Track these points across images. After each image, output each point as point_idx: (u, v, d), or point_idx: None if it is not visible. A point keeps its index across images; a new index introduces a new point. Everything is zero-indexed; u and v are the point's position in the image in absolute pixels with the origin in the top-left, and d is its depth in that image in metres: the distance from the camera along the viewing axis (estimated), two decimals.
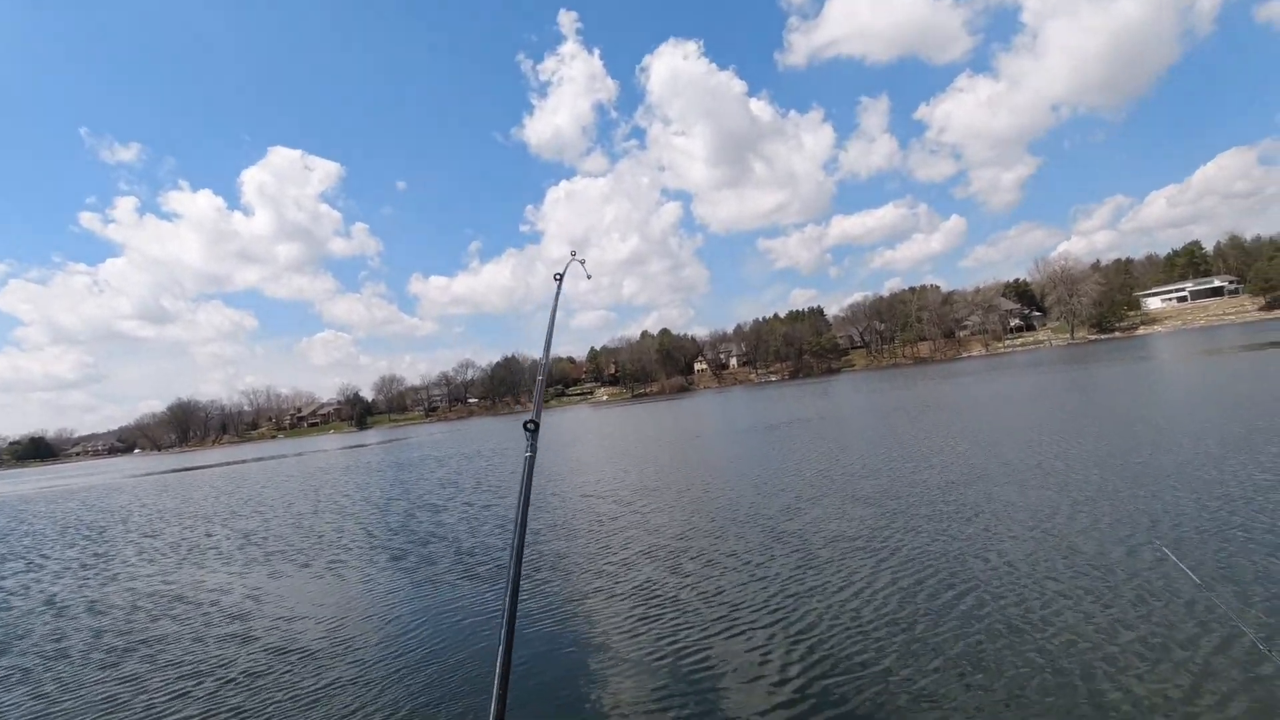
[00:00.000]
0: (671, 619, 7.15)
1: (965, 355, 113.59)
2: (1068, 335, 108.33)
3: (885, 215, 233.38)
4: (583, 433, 43.66)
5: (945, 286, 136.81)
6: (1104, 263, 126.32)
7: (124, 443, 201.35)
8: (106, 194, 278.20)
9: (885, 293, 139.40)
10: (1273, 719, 4.16)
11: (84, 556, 16.01)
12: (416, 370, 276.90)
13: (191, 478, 45.06)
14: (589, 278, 3.71)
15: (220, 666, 7.32)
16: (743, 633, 6.54)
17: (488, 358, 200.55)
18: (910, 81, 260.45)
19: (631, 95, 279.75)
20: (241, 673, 7.04)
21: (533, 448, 1.87)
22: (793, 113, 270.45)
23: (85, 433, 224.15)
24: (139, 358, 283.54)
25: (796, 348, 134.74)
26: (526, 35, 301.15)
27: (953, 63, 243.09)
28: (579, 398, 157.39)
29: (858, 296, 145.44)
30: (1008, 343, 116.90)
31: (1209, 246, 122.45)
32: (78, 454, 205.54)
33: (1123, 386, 27.42)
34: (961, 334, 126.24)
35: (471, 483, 22.04)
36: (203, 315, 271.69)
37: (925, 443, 18.03)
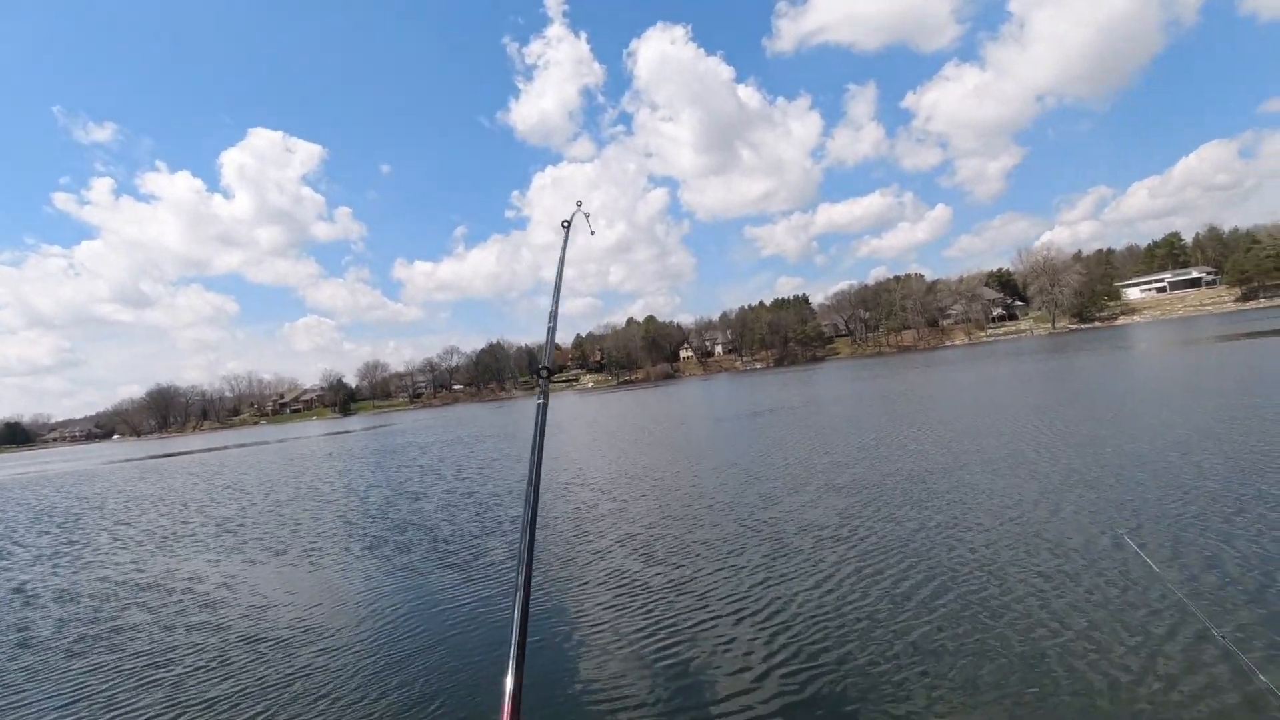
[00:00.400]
0: (642, 606, 7.21)
1: (948, 344, 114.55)
2: (1049, 325, 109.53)
3: (872, 204, 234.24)
4: (566, 420, 43.66)
5: (930, 275, 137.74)
6: (1086, 253, 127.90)
7: (102, 428, 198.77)
8: (81, 175, 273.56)
9: (870, 281, 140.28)
10: (1219, 698, 4.27)
11: (56, 544, 15.83)
12: (401, 356, 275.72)
13: (170, 464, 44.60)
14: (592, 233, 3.82)
15: (190, 655, 7.28)
16: (713, 619, 6.61)
17: (473, 344, 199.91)
18: (898, 70, 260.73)
19: (619, 80, 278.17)
20: (211, 661, 7.02)
21: (544, 394, 1.91)
22: (780, 100, 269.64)
23: (62, 418, 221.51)
24: (118, 342, 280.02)
25: (782, 336, 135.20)
26: (512, 17, 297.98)
27: (940, 51, 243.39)
28: (564, 384, 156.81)
29: (843, 285, 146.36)
30: (990, 332, 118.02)
31: (1189, 238, 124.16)
32: (54, 440, 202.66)
33: (1100, 376, 27.80)
34: (945, 323, 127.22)
35: (453, 470, 22.00)
36: (183, 299, 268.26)
37: (904, 431, 18.21)
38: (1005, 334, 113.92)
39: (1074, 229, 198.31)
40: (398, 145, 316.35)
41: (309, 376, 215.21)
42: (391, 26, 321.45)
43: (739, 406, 35.85)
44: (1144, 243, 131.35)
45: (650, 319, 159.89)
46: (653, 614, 6.93)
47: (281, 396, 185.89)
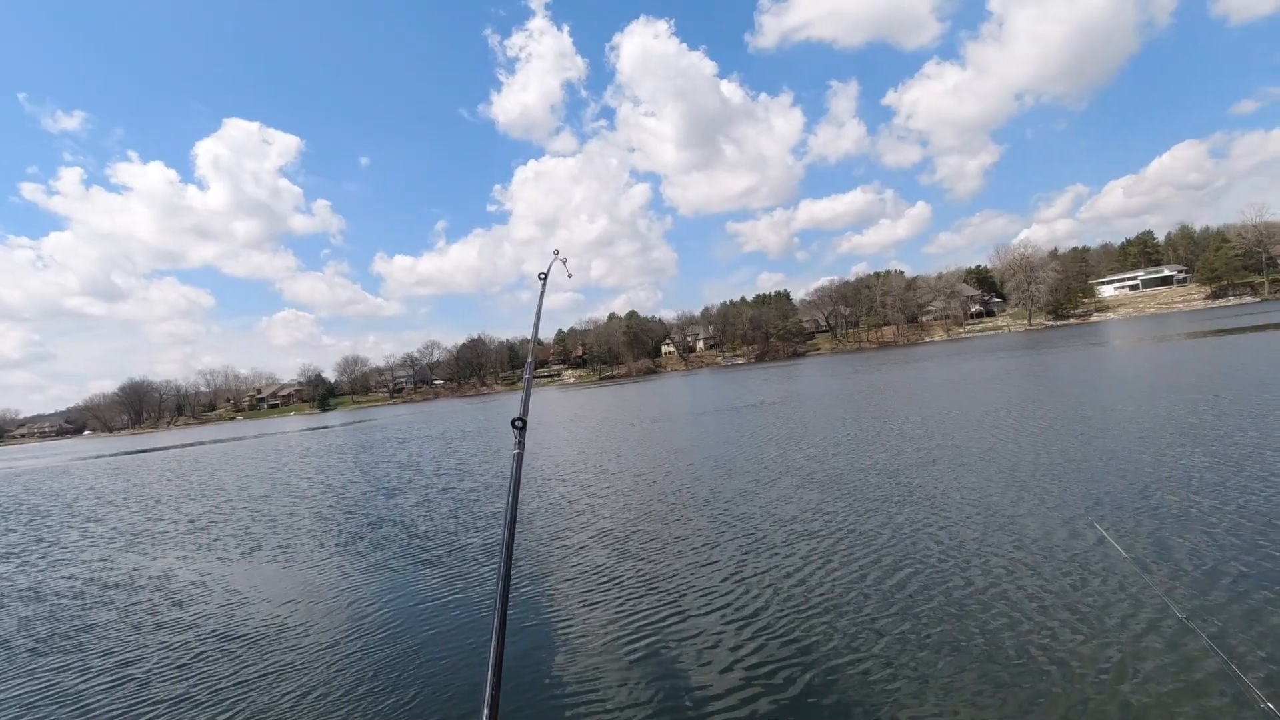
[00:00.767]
0: (618, 601, 7.17)
1: (927, 340, 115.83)
2: (1025, 322, 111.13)
3: (853, 200, 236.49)
4: (547, 415, 43.49)
5: (910, 272, 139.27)
6: (1062, 251, 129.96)
7: (73, 424, 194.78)
8: (50, 164, 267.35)
9: (851, 277, 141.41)
10: (1192, 684, 4.31)
11: (24, 541, 15.45)
12: (381, 351, 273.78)
13: (143, 460, 43.78)
14: (570, 275, 3.98)
15: (159, 654, 7.13)
16: (690, 614, 6.59)
17: (454, 339, 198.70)
18: (880, 67, 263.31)
19: (601, 74, 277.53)
20: (181, 660, 6.87)
21: (520, 444, 1.92)
22: (763, 95, 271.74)
23: (31, 414, 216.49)
24: (89, 336, 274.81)
25: (763, 331, 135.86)
26: (494, 9, 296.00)
27: (921, 49, 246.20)
28: (546, 379, 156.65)
29: (824, 281, 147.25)
30: (968, 328, 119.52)
31: (1161, 236, 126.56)
32: (23, 435, 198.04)
33: (1075, 371, 28.21)
34: (924, 319, 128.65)
35: (433, 465, 21.79)
36: (156, 292, 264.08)
37: (883, 427, 18.34)
38: (983, 330, 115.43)
39: (1051, 227, 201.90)
40: (377, 137, 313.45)
41: (287, 371, 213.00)
42: (371, 16, 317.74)
43: (720, 402, 35.92)
44: (1119, 241, 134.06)
45: (632, 314, 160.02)
46: (628, 609, 6.89)
47: (259, 391, 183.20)
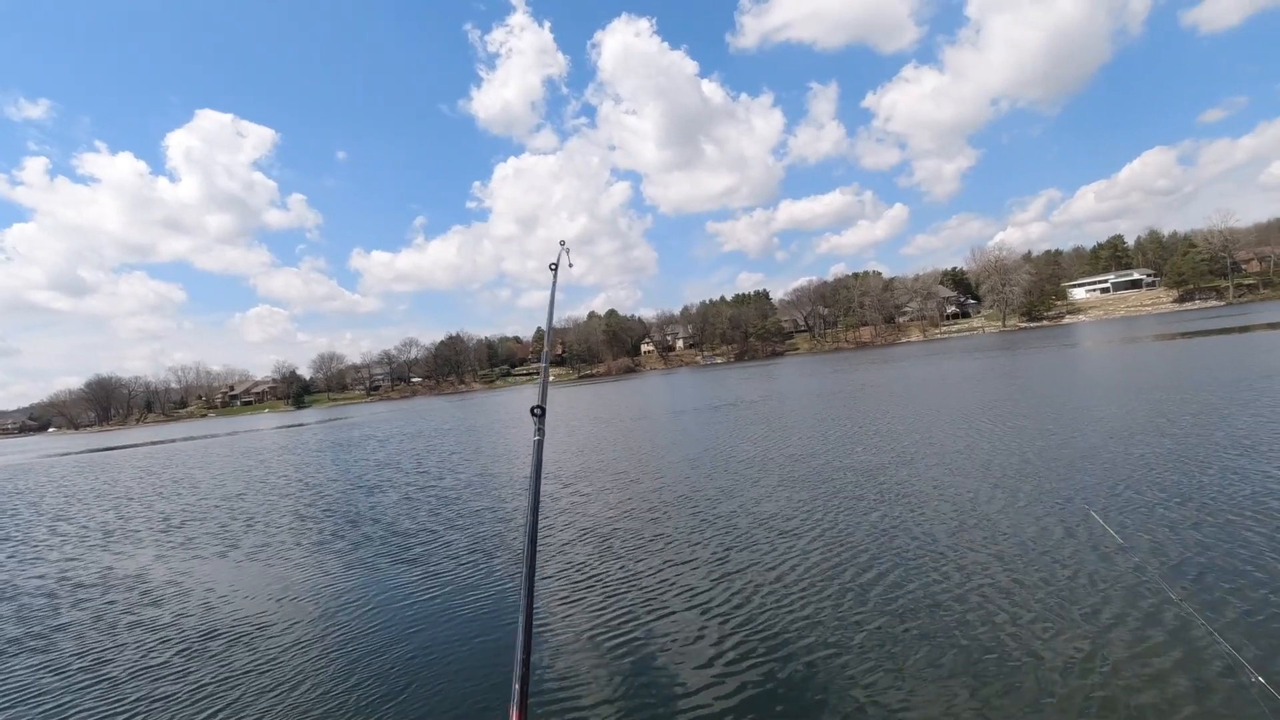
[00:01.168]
0: (599, 599, 7.15)
1: (904, 340, 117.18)
2: (1000, 323, 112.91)
3: (832, 201, 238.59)
4: (525, 415, 43.18)
5: (887, 273, 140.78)
6: (1035, 254, 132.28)
7: (36, 420, 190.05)
8: (13, 154, 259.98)
9: (830, 278, 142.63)
10: (1184, 662, 4.41)
11: None
12: (358, 348, 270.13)
13: (112, 458, 42.82)
14: (570, 265, 3.95)
15: (130, 655, 6.96)
16: (671, 613, 6.59)
17: (432, 336, 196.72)
18: (859, 69, 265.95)
19: (582, 71, 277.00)
20: (153, 661, 6.72)
21: (540, 431, 1.96)
22: (744, 96, 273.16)
23: None
24: (54, 331, 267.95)
25: (742, 331, 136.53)
26: (475, 4, 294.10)
27: (900, 52, 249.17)
28: (525, 378, 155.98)
29: (803, 281, 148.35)
30: (944, 329, 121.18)
31: (1131, 241, 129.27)
32: None
33: (1050, 372, 28.70)
34: (901, 320, 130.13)
35: (413, 463, 21.59)
36: (125, 287, 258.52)
37: (864, 425, 18.51)
38: (958, 331, 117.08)
39: (1025, 230, 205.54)
40: (355, 131, 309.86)
41: (261, 368, 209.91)
42: (349, 8, 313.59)
43: (699, 401, 36.02)
44: (1090, 244, 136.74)
45: (612, 313, 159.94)
46: (609, 607, 6.87)
47: (231, 388, 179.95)
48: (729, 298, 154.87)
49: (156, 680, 6.22)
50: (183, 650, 6.94)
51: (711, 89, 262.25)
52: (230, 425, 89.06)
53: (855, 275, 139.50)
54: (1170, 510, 7.90)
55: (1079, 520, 7.85)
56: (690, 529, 9.60)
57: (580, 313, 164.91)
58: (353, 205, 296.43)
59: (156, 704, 5.73)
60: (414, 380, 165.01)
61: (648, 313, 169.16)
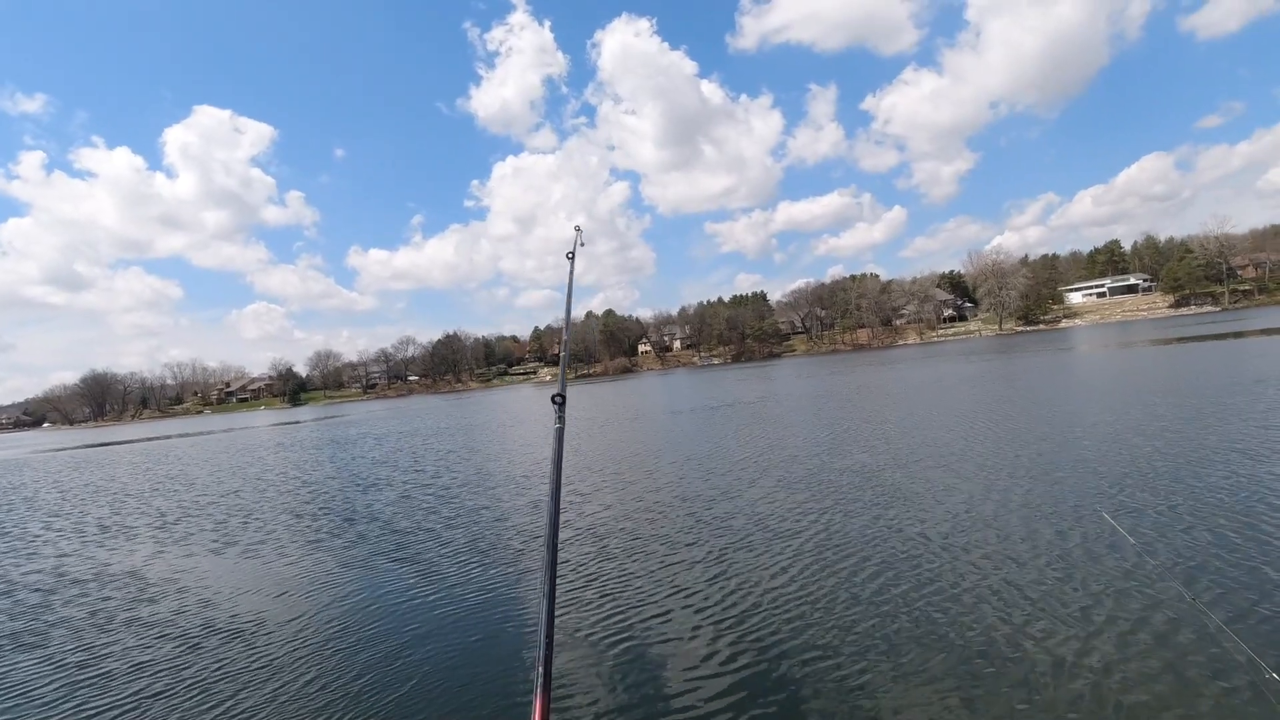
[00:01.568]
0: (596, 600, 7.15)
1: (901, 343, 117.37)
2: (996, 326, 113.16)
3: (830, 203, 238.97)
4: (523, 414, 43.32)
5: (885, 275, 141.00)
6: (1033, 258, 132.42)
7: (31, 415, 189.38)
8: (9, 148, 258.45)
9: (828, 279, 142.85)
10: (1195, 656, 4.43)
11: None
12: (354, 346, 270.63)
13: (108, 454, 42.68)
14: (582, 244, 3.87)
15: (131, 651, 6.95)
16: (671, 613, 6.60)
17: (429, 335, 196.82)
18: (858, 71, 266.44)
19: (582, 71, 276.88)
20: (155, 657, 6.71)
21: (561, 419, 1.96)
22: (743, 96, 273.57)
23: None
24: (49, 326, 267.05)
25: (739, 332, 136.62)
26: (474, 2, 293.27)
27: (900, 55, 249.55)
28: (522, 377, 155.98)
29: (801, 283, 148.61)
30: (941, 332, 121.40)
31: (1128, 246, 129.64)
32: None
33: (1046, 375, 28.79)
34: (898, 322, 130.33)
35: (409, 461, 21.57)
36: (121, 282, 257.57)
37: (861, 427, 18.54)
38: (955, 334, 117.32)
39: (1023, 234, 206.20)
40: (354, 129, 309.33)
41: (257, 365, 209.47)
42: (349, 5, 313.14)
43: (696, 401, 36.04)
44: (1087, 249, 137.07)
45: (609, 313, 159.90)
46: (607, 607, 6.88)
47: (228, 385, 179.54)
48: (726, 299, 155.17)
49: (152, 677, 6.21)
50: (179, 647, 6.93)
51: (711, 89, 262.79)
52: (226, 422, 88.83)
53: (853, 277, 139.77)
54: (1180, 512, 7.94)
55: (1092, 523, 7.85)
56: (688, 530, 9.61)
57: (578, 312, 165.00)
58: (351, 203, 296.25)
59: (153, 701, 5.72)
60: (410, 379, 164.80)
61: (645, 313, 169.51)
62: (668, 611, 6.59)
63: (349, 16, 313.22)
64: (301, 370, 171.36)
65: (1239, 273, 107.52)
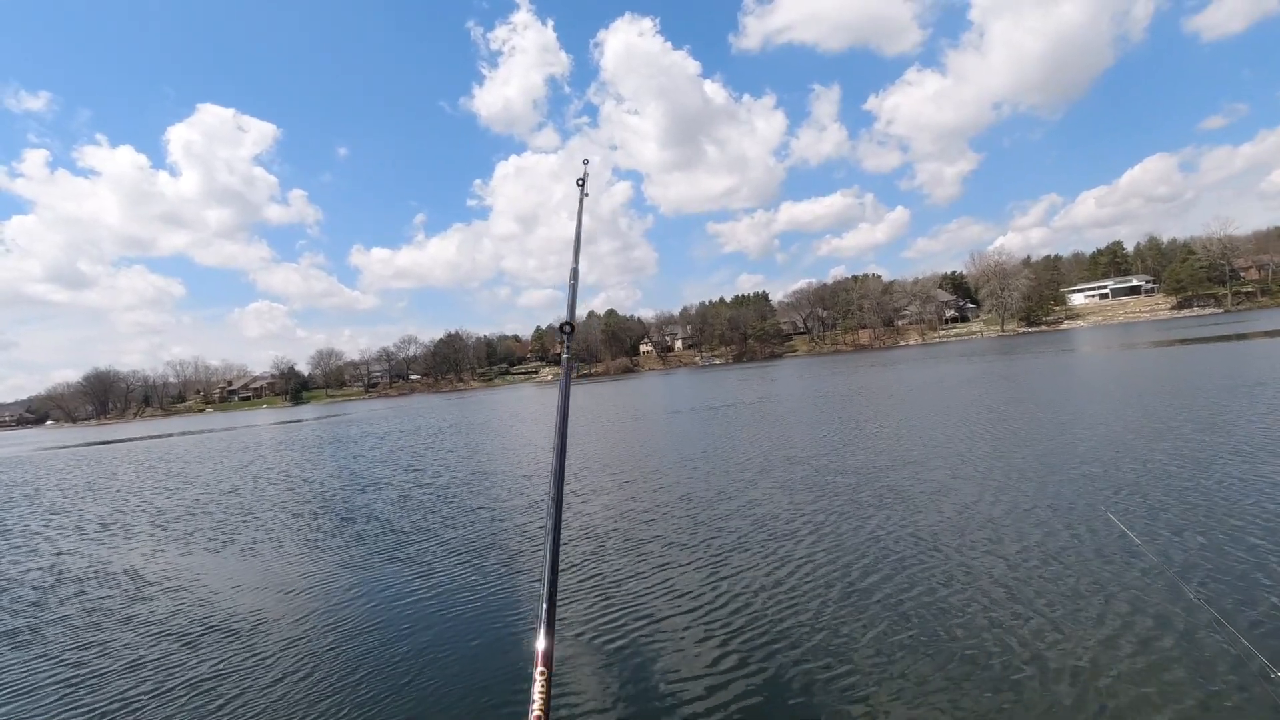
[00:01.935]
0: (596, 601, 7.15)
1: (903, 344, 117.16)
2: (998, 327, 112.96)
3: (833, 204, 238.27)
4: (524, 413, 43.36)
5: (887, 276, 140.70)
6: (1036, 259, 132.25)
7: (34, 413, 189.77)
8: (13, 145, 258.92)
9: (830, 280, 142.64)
10: (1196, 656, 4.43)
11: None
12: (356, 345, 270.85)
13: (109, 452, 42.76)
14: (587, 195, 3.93)
15: (129, 649, 6.97)
16: (670, 614, 6.60)
17: (431, 334, 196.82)
18: (861, 72, 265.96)
19: (585, 70, 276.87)
20: (153, 655, 6.73)
21: (569, 348, 2.15)
22: (746, 97, 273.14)
23: None
24: (52, 324, 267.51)
25: (741, 332, 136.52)
26: (477, 1, 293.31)
27: (903, 55, 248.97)
28: (523, 377, 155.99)
29: (802, 283, 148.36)
30: (943, 333, 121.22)
31: (1130, 247, 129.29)
32: None
33: (1048, 376, 28.75)
34: (900, 323, 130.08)
35: (410, 459, 21.59)
36: (124, 280, 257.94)
37: (863, 428, 18.52)
38: (957, 335, 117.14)
39: (1026, 235, 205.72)
40: (356, 128, 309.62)
41: (259, 363, 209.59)
42: (352, 4, 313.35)
43: (698, 401, 36.03)
44: (1090, 250, 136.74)
45: (611, 312, 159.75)
46: (605, 609, 6.88)
47: (230, 383, 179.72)
48: (728, 299, 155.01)
49: (149, 675, 6.22)
50: (176, 645, 6.94)
51: (713, 89, 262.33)
52: (228, 420, 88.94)
53: (855, 278, 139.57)
54: (1184, 513, 7.95)
55: (1097, 523, 7.84)
56: (687, 530, 9.61)
57: (579, 312, 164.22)
58: (353, 201, 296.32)
59: (149, 699, 5.73)
60: (412, 378, 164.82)
61: (647, 313, 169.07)
62: (667, 612, 6.59)
63: (352, 15, 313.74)
64: (303, 369, 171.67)
65: (1242, 274, 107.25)
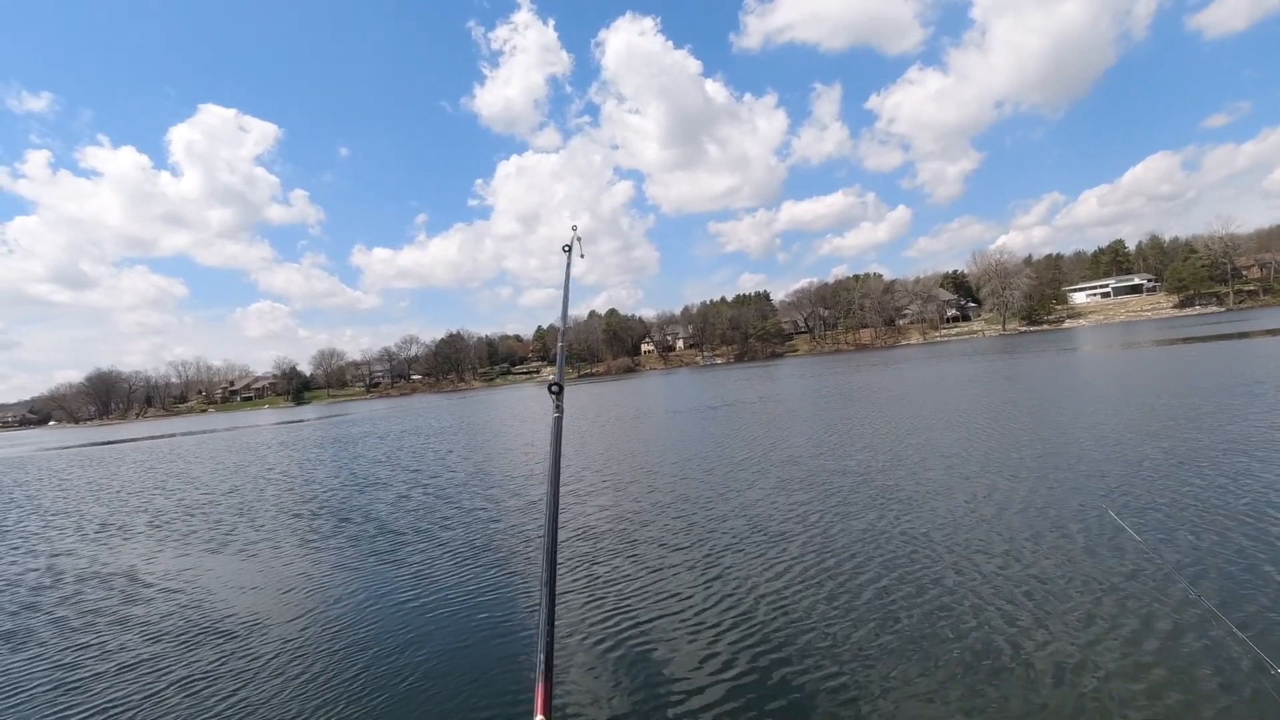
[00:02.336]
0: (595, 600, 7.15)
1: (904, 343, 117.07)
2: (1000, 326, 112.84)
3: (835, 203, 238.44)
4: (525, 413, 43.36)
5: (889, 275, 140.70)
6: (1037, 258, 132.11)
7: (36, 414, 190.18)
8: (15, 146, 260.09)
9: (831, 279, 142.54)
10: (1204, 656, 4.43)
11: None
12: (358, 345, 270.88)
13: (111, 452, 42.83)
14: (582, 256, 3.86)
15: (127, 649, 6.97)
16: (669, 615, 6.58)
17: (432, 334, 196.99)
18: (863, 71, 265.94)
19: (586, 70, 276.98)
20: (151, 655, 6.73)
21: (559, 408, 2.06)
22: (747, 96, 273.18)
23: None
24: (54, 324, 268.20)
25: (742, 331, 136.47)
26: (478, 1, 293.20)
27: (904, 54, 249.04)
28: (525, 377, 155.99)
29: (804, 282, 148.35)
30: (944, 332, 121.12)
31: (1132, 246, 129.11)
32: None
33: (1049, 375, 28.70)
34: (901, 322, 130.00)
35: (411, 460, 21.60)
36: (126, 281, 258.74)
37: (864, 427, 18.50)
38: (958, 334, 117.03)
39: (1027, 234, 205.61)
40: (358, 128, 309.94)
41: (261, 364, 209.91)
42: (352, 4, 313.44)
43: (699, 401, 36.02)
44: (1092, 249, 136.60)
45: (612, 312, 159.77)
46: (602, 610, 6.88)
47: (232, 384, 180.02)
48: (730, 298, 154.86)
49: (145, 676, 6.22)
50: (173, 646, 6.94)
51: (715, 89, 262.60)
52: (230, 421, 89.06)
53: (856, 277, 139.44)
54: (1186, 512, 7.93)
55: (1098, 521, 7.84)
56: (687, 531, 9.59)
57: (580, 311, 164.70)
58: (354, 201, 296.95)
59: (145, 700, 5.73)
60: (414, 378, 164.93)
61: (648, 312, 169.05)
62: (667, 612, 6.58)
63: (353, 15, 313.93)
64: (305, 369, 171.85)
65: (1244, 273, 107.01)
